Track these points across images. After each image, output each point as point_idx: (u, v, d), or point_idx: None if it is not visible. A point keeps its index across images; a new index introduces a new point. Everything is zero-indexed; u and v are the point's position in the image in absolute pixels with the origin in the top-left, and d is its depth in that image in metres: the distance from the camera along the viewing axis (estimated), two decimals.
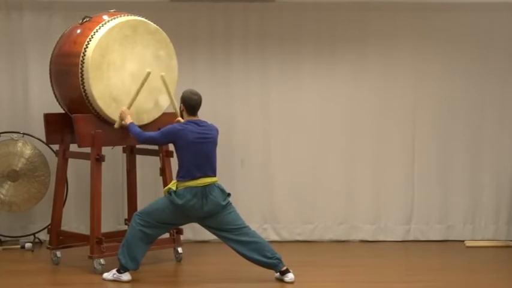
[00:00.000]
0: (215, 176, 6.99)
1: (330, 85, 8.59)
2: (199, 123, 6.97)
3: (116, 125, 7.24)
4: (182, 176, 6.90)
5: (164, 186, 7.37)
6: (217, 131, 7.07)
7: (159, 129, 7.18)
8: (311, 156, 8.59)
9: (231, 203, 7.03)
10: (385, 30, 8.55)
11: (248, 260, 7.04)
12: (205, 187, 6.89)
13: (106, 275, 7.04)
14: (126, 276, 7.00)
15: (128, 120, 7.15)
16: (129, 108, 7.21)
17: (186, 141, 6.88)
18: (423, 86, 8.59)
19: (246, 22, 8.52)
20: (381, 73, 8.59)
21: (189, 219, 7.10)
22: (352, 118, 8.60)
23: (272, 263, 7.01)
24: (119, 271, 7.00)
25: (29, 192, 8.17)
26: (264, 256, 6.99)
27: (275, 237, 8.52)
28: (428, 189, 8.64)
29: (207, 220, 6.99)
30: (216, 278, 7.22)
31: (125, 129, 7.20)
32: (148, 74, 7.22)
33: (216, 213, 6.94)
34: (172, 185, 6.93)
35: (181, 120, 7.14)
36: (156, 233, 7.05)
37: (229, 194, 7.03)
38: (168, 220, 7.00)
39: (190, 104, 6.98)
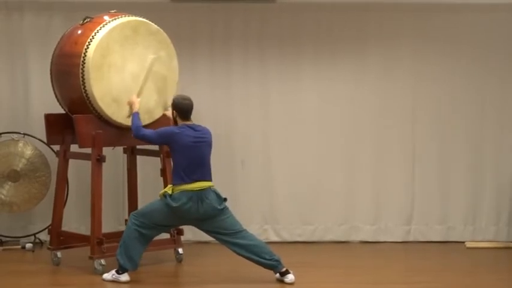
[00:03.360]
0: (211, 180, 6.99)
1: (330, 86, 8.59)
2: (194, 128, 6.98)
3: (128, 114, 7.22)
4: (177, 179, 6.91)
5: (165, 187, 7.37)
6: (211, 134, 7.07)
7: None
8: (311, 157, 8.59)
9: (227, 208, 7.02)
10: (385, 31, 8.55)
11: (247, 260, 7.04)
12: (201, 191, 6.89)
13: (106, 276, 7.05)
14: (124, 277, 7.00)
15: (135, 108, 7.15)
16: (138, 96, 7.20)
17: (182, 144, 6.88)
18: (423, 87, 8.59)
19: (246, 23, 8.52)
20: (381, 74, 8.59)
21: (184, 222, 7.11)
22: (352, 119, 8.60)
23: (271, 264, 7.01)
24: (117, 272, 7.01)
25: (29, 192, 8.17)
26: (262, 257, 6.99)
27: (275, 238, 8.52)
28: (428, 190, 8.64)
29: (204, 223, 6.99)
30: (217, 279, 7.22)
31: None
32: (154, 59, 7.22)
33: (212, 217, 6.94)
34: (168, 189, 6.93)
35: (168, 114, 7.16)
36: (152, 234, 7.06)
37: (225, 199, 7.03)
38: (163, 222, 7.01)
39: (183, 108, 6.99)
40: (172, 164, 6.98)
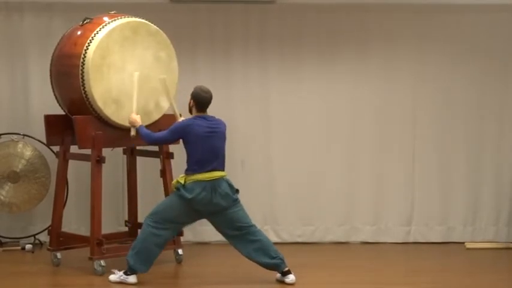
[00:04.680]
0: (224, 170, 6.99)
1: (331, 86, 8.59)
2: (206, 118, 6.98)
3: (132, 133, 7.21)
4: (191, 169, 6.90)
5: (164, 188, 7.38)
6: (225, 125, 7.09)
7: (159, 130, 7.20)
8: (311, 157, 8.59)
9: (239, 201, 7.04)
10: (386, 32, 8.55)
11: (251, 261, 7.04)
12: (214, 181, 6.88)
13: (112, 277, 7.03)
14: (132, 279, 6.99)
15: (138, 124, 7.16)
16: (136, 113, 7.21)
17: (195, 135, 6.88)
18: (423, 87, 8.59)
19: (246, 23, 8.52)
20: (381, 74, 8.58)
21: (198, 215, 7.04)
22: (352, 119, 8.60)
23: (275, 263, 7.02)
24: (126, 273, 6.99)
25: (29, 193, 8.17)
26: (268, 256, 7.00)
27: (275, 239, 8.49)
28: (428, 191, 8.64)
29: (216, 216, 6.98)
30: (216, 280, 7.22)
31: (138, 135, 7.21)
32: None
33: (225, 209, 6.94)
34: (181, 179, 6.91)
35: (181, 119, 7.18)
36: (167, 234, 7.00)
37: (237, 190, 7.04)
38: (178, 218, 6.97)
39: (201, 101, 6.99)
40: (187, 156, 6.96)
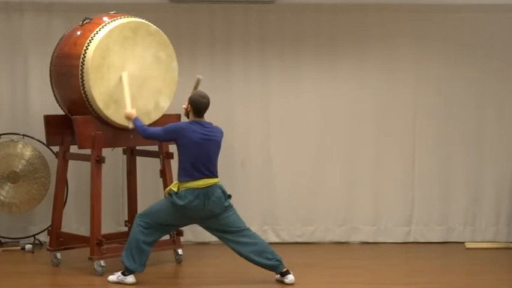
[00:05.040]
0: (217, 177, 6.99)
1: (331, 86, 8.59)
2: (203, 124, 6.97)
3: (130, 125, 7.18)
4: (183, 176, 6.90)
5: (164, 188, 7.37)
6: (221, 133, 7.07)
7: None
8: (311, 157, 8.59)
9: (232, 205, 7.03)
10: (385, 32, 8.55)
11: (248, 262, 7.05)
12: (207, 188, 6.88)
13: (111, 278, 7.04)
14: (131, 279, 6.99)
15: (133, 116, 7.13)
16: (131, 108, 7.20)
17: (189, 140, 6.87)
18: (423, 87, 8.59)
19: (246, 23, 8.51)
20: (381, 74, 8.58)
21: (189, 221, 7.09)
22: (352, 119, 8.59)
23: (272, 264, 7.01)
24: (123, 273, 6.99)
25: (29, 193, 8.17)
26: (264, 258, 6.99)
27: (275, 239, 8.51)
28: (428, 191, 8.63)
29: (208, 221, 6.99)
30: (216, 280, 7.22)
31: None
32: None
33: (217, 215, 6.94)
34: (174, 186, 6.93)
35: (184, 106, 7.16)
36: (156, 235, 7.04)
37: (230, 196, 7.03)
38: (169, 221, 6.99)
39: (198, 106, 6.97)
40: (178, 161, 6.97)
